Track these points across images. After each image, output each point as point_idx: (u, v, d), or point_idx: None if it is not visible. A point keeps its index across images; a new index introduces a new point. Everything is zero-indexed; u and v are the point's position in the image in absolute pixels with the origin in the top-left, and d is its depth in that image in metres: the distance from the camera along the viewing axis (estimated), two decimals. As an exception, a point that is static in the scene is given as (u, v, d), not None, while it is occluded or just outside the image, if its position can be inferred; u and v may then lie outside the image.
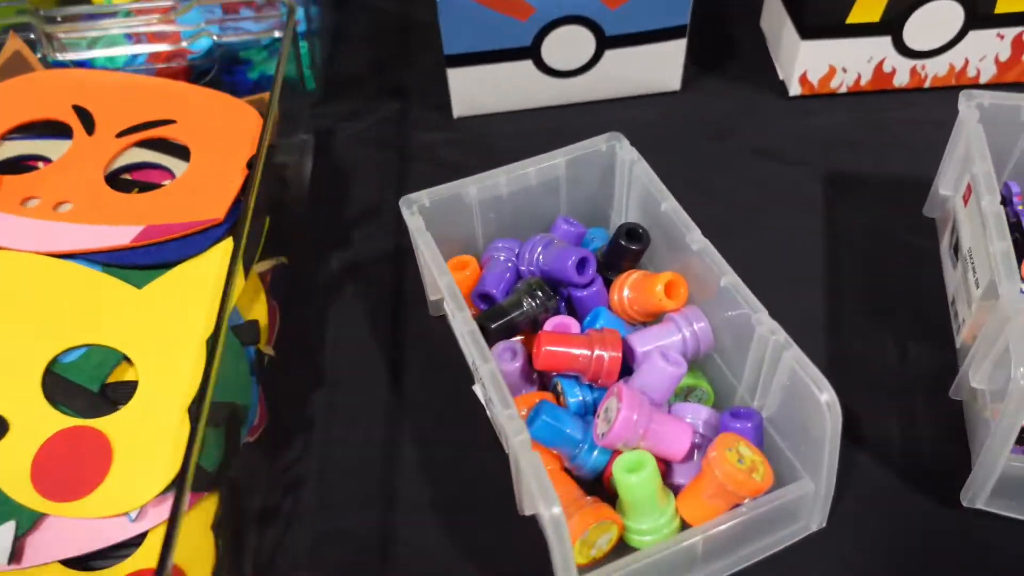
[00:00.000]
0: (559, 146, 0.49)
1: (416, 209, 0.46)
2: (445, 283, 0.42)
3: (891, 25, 0.60)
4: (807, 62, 0.63)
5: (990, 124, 0.48)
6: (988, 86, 0.65)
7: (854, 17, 0.60)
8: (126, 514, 0.39)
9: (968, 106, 0.49)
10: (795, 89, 0.65)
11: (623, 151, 0.49)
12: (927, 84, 0.64)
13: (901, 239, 0.55)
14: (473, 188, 0.47)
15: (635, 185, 0.49)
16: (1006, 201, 0.50)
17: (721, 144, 0.63)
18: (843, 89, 0.65)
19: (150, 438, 0.41)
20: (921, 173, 0.56)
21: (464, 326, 0.40)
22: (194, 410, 0.42)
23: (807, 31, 0.61)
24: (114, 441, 0.42)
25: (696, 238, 0.43)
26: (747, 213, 0.57)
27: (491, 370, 0.38)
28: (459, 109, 0.66)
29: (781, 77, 0.67)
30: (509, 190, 0.48)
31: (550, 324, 0.45)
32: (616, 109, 0.66)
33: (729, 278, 0.41)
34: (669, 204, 0.45)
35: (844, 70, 0.63)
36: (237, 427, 0.43)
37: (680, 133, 0.64)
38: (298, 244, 0.58)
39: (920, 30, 0.61)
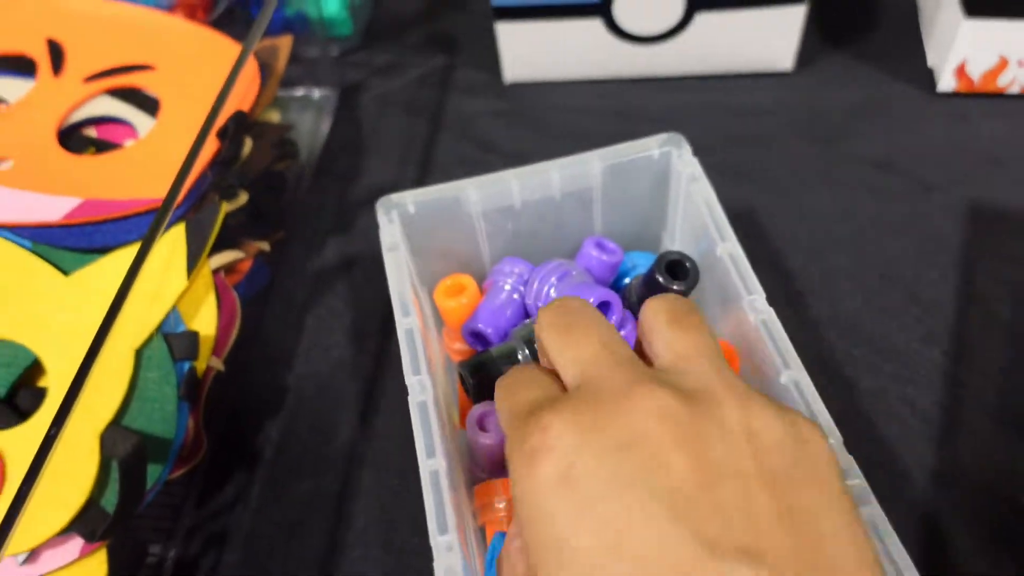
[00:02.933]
0: (629, 131, 0.37)
1: (396, 216, 0.36)
2: (404, 329, 0.32)
3: (1099, 7, 0.44)
4: (969, 47, 0.47)
5: None
6: None
7: (1046, -8, 0.44)
8: (14, 556, 0.33)
9: None
10: (947, 83, 0.49)
11: (681, 161, 0.36)
12: None
13: (1066, 312, 0.40)
14: (475, 193, 0.36)
15: (690, 210, 0.36)
16: None
17: (832, 148, 0.48)
18: (1015, 89, 0.48)
19: (52, 465, 0.34)
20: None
21: (417, 394, 0.30)
22: (110, 437, 0.35)
23: (975, 4, 0.46)
24: (8, 463, 0.35)
25: (758, 305, 0.31)
26: (848, 251, 0.43)
27: (432, 469, 0.27)
28: (511, 73, 0.54)
29: (930, 64, 0.51)
30: (524, 199, 0.37)
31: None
32: (706, 90, 0.52)
33: (793, 374, 0.29)
34: (728, 248, 0.33)
35: (1021, 63, 0.47)
36: (140, 465, 0.35)
37: (782, 129, 0.50)
38: (291, 225, 0.48)
39: None
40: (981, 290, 0.41)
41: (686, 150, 0.36)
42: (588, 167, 0.36)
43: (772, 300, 0.31)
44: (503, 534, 0.30)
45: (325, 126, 0.54)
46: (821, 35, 0.55)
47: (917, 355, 0.39)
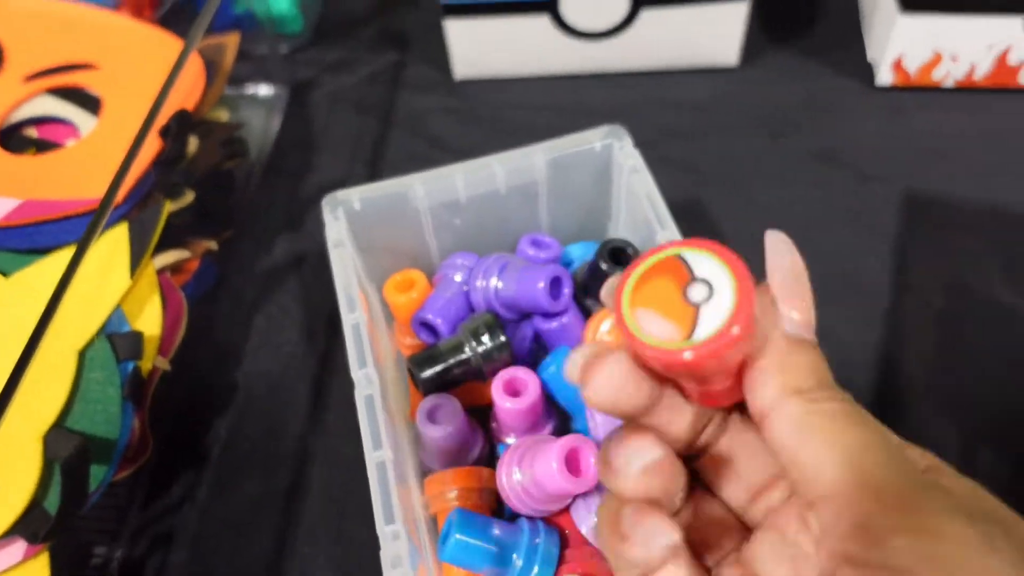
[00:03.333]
0: (578, 127, 0.38)
1: (342, 213, 0.36)
2: (351, 324, 0.32)
3: (1027, 2, 0.45)
4: (905, 42, 0.48)
5: None
6: None
7: (976, -12, 0.45)
8: (-49, 560, 0.32)
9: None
10: (885, 77, 0.50)
11: (622, 153, 0.37)
12: (1066, 83, 0.49)
13: (1003, 301, 0.41)
14: (421, 189, 0.37)
15: (632, 201, 0.37)
16: None
17: (777, 142, 0.49)
18: (949, 83, 0.50)
19: (-9, 468, 0.34)
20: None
21: (364, 388, 0.30)
22: (52, 439, 0.34)
23: (910, 0, 0.47)
24: (-54, 467, 0.34)
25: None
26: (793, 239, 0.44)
27: (379, 460, 0.28)
28: (461, 70, 0.54)
29: (869, 59, 0.53)
30: (469, 194, 0.37)
31: (498, 383, 0.34)
32: (653, 86, 0.53)
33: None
34: (668, 236, 0.33)
35: (954, 58, 0.48)
36: (83, 467, 0.35)
37: (727, 123, 0.51)
38: (240, 224, 0.48)
39: (1067, 11, 0.45)
40: (915, 279, 0.42)
41: (627, 142, 0.37)
42: (532, 160, 0.37)
43: (712, 289, 0.32)
44: (464, 511, 0.30)
45: (275, 124, 0.53)
46: (765, 31, 0.56)
47: (855, 339, 0.40)
